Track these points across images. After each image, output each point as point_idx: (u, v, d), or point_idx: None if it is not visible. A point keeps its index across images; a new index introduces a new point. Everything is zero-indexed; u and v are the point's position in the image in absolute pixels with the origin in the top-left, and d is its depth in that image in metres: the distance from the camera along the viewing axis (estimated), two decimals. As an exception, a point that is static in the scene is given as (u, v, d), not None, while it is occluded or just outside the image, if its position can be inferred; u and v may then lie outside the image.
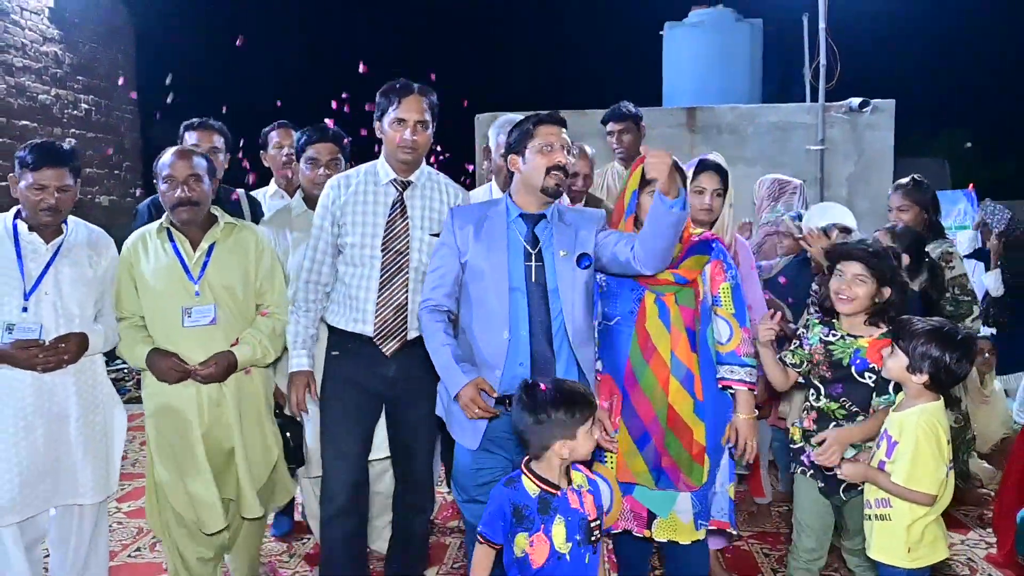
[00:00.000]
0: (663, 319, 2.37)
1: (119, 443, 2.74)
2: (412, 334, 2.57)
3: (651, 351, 2.36)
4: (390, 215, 2.56)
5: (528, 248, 2.38)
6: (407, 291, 2.55)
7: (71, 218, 2.64)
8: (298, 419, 2.78)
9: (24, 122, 6.71)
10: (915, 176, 3.61)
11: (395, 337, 2.55)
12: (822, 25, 5.84)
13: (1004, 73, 9.74)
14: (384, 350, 2.55)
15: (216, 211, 2.70)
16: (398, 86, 2.53)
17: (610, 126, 4.17)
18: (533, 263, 2.36)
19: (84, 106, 7.65)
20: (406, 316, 2.56)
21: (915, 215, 3.51)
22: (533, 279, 2.35)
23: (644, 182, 2.40)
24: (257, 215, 3.24)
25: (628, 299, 2.42)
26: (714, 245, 2.46)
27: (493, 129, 3.44)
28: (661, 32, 7.31)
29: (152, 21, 8.93)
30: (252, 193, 3.47)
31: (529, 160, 2.35)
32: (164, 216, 2.66)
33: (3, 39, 6.48)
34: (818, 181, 5.85)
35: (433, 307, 2.39)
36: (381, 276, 2.54)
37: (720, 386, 2.42)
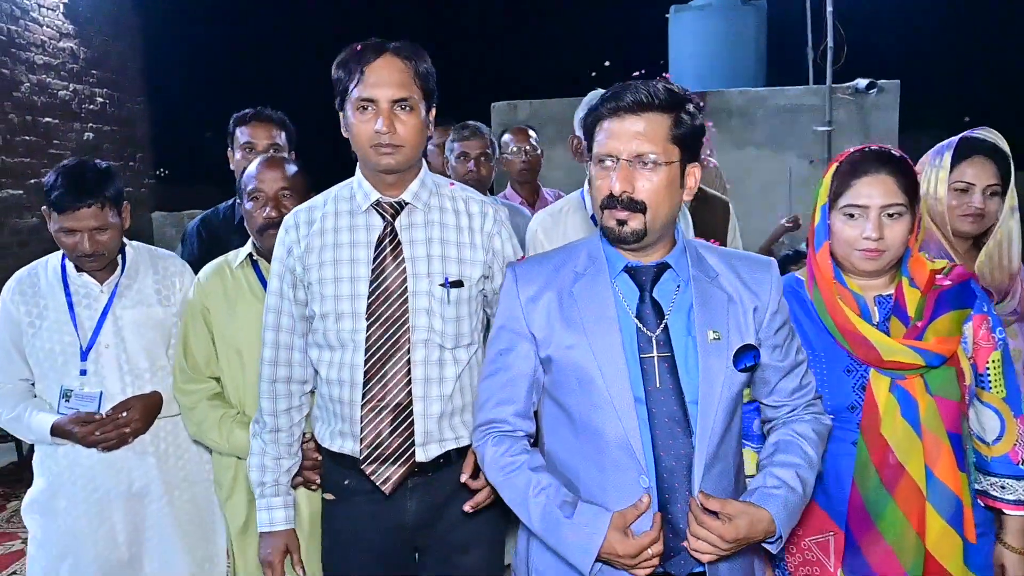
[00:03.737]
0: (909, 418, 1.51)
1: (220, 523, 2.17)
2: (427, 451, 1.68)
3: (894, 471, 1.51)
4: (376, 259, 1.66)
5: (643, 328, 1.40)
6: (409, 381, 1.65)
7: (130, 244, 2.16)
8: None
9: (47, 119, 6.82)
10: None
11: (395, 459, 1.65)
12: (829, 8, 6.00)
13: (1001, 47, 9.95)
14: (378, 481, 1.65)
15: None
16: (360, 49, 1.63)
17: None
18: (656, 354, 1.39)
19: (99, 100, 7.75)
20: (411, 423, 1.65)
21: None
22: (657, 382, 1.38)
23: (835, 195, 1.60)
24: None
25: (844, 387, 1.56)
26: (975, 289, 1.62)
27: (581, 110, 2.34)
28: (667, 15, 7.43)
29: (159, 11, 8.98)
30: None
31: (593, 179, 1.45)
32: (248, 244, 2.04)
33: (24, 37, 6.57)
34: (825, 162, 6.05)
35: (502, 433, 1.49)
36: (367, 361, 1.64)
37: (982, 503, 1.64)
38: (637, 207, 1.37)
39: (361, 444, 1.66)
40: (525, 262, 1.56)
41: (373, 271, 1.66)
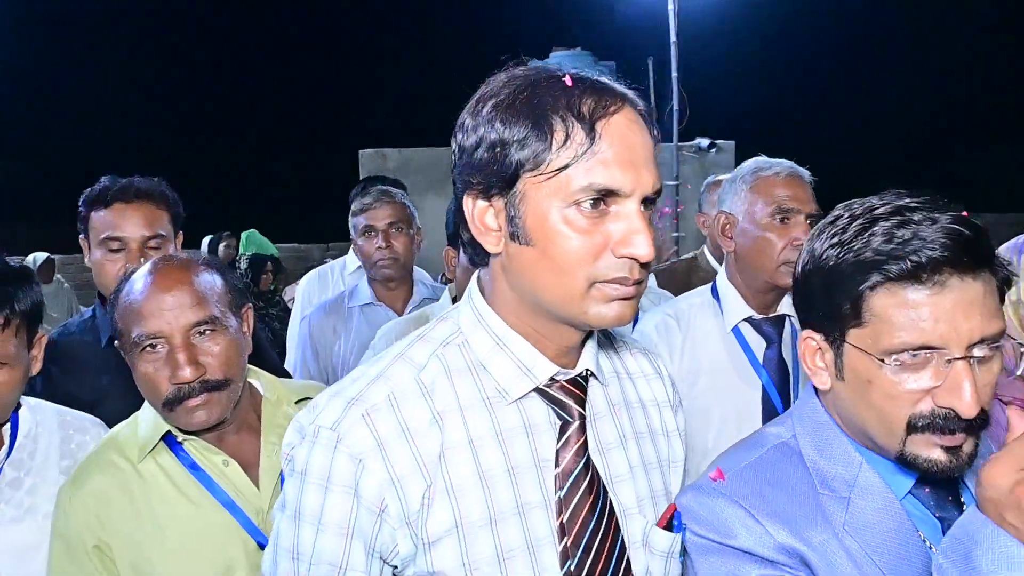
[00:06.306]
0: None
1: None
2: None
3: None
4: (566, 485, 0.93)
5: None
6: None
7: (27, 402, 1.36)
8: None
9: None
10: None
11: None
12: (674, 74, 6.56)
13: (824, 111, 11.28)
14: None
15: (258, 378, 1.34)
16: (580, 86, 0.91)
17: None
18: None
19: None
20: None
21: None
22: None
23: None
24: None
25: None
26: None
27: (741, 183, 1.74)
28: (526, 72, 7.79)
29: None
30: (322, 268, 2.98)
31: (876, 381, 0.96)
32: (147, 411, 1.28)
33: None
34: (677, 213, 6.58)
35: None
36: None
37: None
38: (977, 425, 0.91)
39: None
40: (740, 479, 0.99)
41: (562, 523, 0.90)
